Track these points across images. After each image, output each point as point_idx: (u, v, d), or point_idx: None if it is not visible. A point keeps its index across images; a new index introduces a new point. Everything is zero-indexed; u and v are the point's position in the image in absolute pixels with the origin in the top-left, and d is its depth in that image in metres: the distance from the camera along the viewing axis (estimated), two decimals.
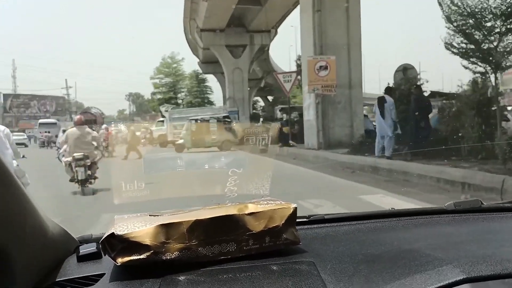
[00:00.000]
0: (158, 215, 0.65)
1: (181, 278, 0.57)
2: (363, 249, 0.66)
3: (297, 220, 0.73)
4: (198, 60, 31.61)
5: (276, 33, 24.78)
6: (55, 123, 24.60)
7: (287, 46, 68.32)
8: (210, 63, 30.30)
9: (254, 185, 0.87)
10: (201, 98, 32.76)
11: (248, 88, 25.43)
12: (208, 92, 33.67)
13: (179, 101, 31.91)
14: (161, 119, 21.44)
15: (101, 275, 0.60)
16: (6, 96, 32.59)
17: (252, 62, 25.76)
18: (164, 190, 1.36)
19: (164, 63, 31.08)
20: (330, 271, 0.57)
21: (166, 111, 21.32)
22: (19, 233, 0.53)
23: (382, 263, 0.59)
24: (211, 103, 33.85)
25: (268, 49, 27.19)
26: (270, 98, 39.91)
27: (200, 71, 32.50)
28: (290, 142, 10.21)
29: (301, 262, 0.62)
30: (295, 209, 0.67)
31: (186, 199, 1.16)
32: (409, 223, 0.85)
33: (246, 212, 0.64)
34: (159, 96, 32.03)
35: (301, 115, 10.61)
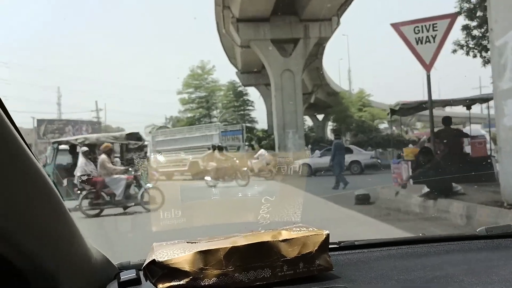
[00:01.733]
0: (195, 242, 0.81)
1: None
2: (395, 275, 0.78)
3: (329, 246, 0.87)
4: (236, 70, 31.29)
5: (338, 22, 21.54)
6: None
7: (336, 60, 69.04)
8: (251, 73, 29.58)
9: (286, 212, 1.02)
10: (240, 115, 32.25)
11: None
12: (249, 107, 33.54)
13: (213, 119, 32.83)
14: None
15: None
16: (40, 122, 35.48)
17: (307, 63, 23.03)
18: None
19: (193, 75, 31.25)
20: None
21: (150, 132, 19.71)
22: (67, 260, 0.68)
23: None
24: (252, 120, 34.18)
25: (323, 51, 25.07)
26: (319, 116, 38.46)
27: (239, 82, 32.38)
28: (454, 186, 5.72)
29: None
30: (328, 235, 0.81)
31: (220, 226, 1.35)
32: (440, 249, 0.97)
33: (280, 238, 0.79)
34: (189, 114, 31.94)
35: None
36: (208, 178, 8.29)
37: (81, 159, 7.59)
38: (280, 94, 21.93)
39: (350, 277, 0.80)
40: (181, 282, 0.74)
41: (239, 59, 27.38)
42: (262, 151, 13.57)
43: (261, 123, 34.09)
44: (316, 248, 0.80)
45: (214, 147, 14.02)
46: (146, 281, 0.78)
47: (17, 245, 0.57)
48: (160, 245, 0.81)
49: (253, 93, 34.51)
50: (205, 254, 0.76)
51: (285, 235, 0.81)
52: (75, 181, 7.34)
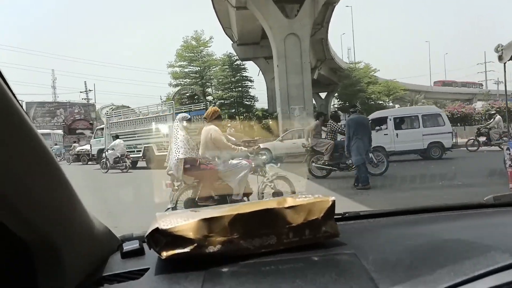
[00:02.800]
0: (199, 211, 0.86)
1: (224, 270, 0.76)
2: (403, 241, 0.83)
3: (337, 217, 0.92)
4: (232, 42, 30.22)
5: None
6: (48, 134, 26.89)
7: (338, 35, 68.23)
8: (249, 45, 28.38)
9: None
10: (238, 92, 31.06)
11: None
12: (247, 83, 31.67)
13: (209, 97, 32.09)
14: (101, 126, 18.99)
15: (146, 270, 0.80)
16: (29, 104, 34.62)
17: (312, 30, 21.07)
18: None
19: (187, 46, 30.00)
20: (372, 262, 0.74)
21: (106, 113, 18.59)
22: (68, 230, 0.72)
23: (425, 252, 0.75)
24: (252, 98, 33.57)
25: (331, 15, 23.62)
26: (322, 95, 37.83)
27: (236, 55, 31.27)
28: None
29: (342, 254, 0.80)
30: (334, 202, 0.86)
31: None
32: (448, 216, 1.03)
33: (286, 205, 0.83)
34: (183, 91, 31.07)
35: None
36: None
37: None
38: (284, 63, 19.86)
39: (357, 244, 0.84)
40: (186, 250, 0.78)
41: (235, 27, 26.01)
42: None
43: (262, 103, 33.62)
44: (322, 214, 0.84)
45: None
46: (150, 249, 0.83)
47: (17, 213, 0.60)
48: (163, 215, 0.85)
49: (252, 69, 33.79)
50: (209, 222, 0.81)
51: (290, 202, 0.85)
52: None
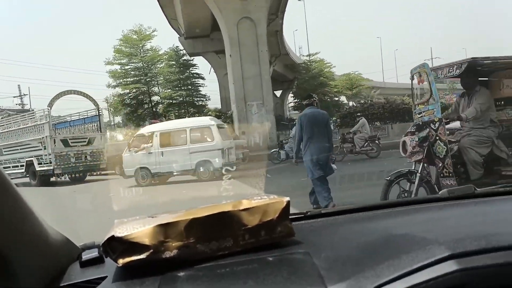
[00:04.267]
0: (156, 217, 0.93)
1: (181, 274, 0.84)
2: (356, 237, 0.94)
3: (295, 216, 1.03)
4: (179, 35, 29.48)
5: None
6: None
7: (291, 32, 70.19)
8: (197, 38, 27.58)
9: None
10: (187, 90, 30.47)
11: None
12: (198, 81, 31.04)
13: (154, 98, 30.97)
14: None
15: (104, 278, 0.87)
16: None
17: (269, 17, 20.32)
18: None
19: (126, 40, 28.85)
20: (324, 259, 0.84)
21: None
22: (18, 238, 0.77)
23: (374, 248, 0.86)
24: (203, 97, 32.86)
25: (285, 5, 23.58)
26: (277, 93, 36.98)
27: (183, 50, 30.69)
28: None
29: (296, 253, 0.90)
30: (288, 202, 0.96)
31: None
32: (403, 211, 1.18)
33: (241, 208, 0.93)
34: (122, 91, 29.34)
35: None
36: None
37: None
38: (238, 52, 19.08)
39: (312, 243, 0.95)
40: (142, 256, 0.87)
41: (181, 18, 25.35)
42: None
43: (215, 103, 33.27)
44: (277, 215, 0.94)
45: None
46: (107, 257, 0.90)
47: None
48: (121, 222, 0.94)
49: (203, 66, 33.28)
50: (165, 227, 0.89)
51: (245, 204, 0.95)
52: None
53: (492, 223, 0.97)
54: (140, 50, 30.00)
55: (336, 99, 34.78)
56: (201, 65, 34.83)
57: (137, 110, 30.42)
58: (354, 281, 0.73)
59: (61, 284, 0.88)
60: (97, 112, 16.86)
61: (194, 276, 0.84)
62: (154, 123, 17.54)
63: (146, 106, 31.09)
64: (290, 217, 0.98)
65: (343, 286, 0.73)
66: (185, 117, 25.84)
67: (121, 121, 35.69)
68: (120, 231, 0.88)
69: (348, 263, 0.81)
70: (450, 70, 4.99)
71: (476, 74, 5.18)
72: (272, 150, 15.62)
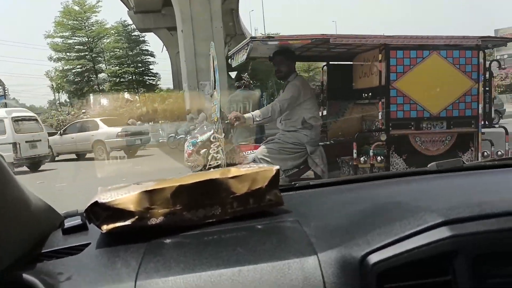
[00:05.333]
0: (142, 184, 0.93)
1: (167, 241, 0.84)
2: (346, 207, 0.96)
3: (284, 187, 1.05)
4: (128, 9, 28.43)
5: None
6: None
7: (247, 12, 70.16)
8: (148, 14, 26.79)
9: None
10: (137, 68, 29.76)
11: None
12: (148, 59, 30.65)
13: (101, 75, 29.60)
14: None
15: (87, 245, 0.87)
16: None
17: None
18: None
19: (68, 11, 27.90)
20: (313, 227, 0.86)
21: None
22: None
23: (364, 216, 0.88)
24: (154, 76, 31.67)
25: None
26: (232, 75, 39.28)
27: (133, 25, 29.97)
28: None
29: (285, 221, 0.92)
30: (278, 171, 0.98)
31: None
32: (391, 182, 1.21)
33: (229, 175, 0.94)
34: (66, 66, 28.35)
35: None
36: None
37: None
38: (190, 27, 18.43)
39: (302, 212, 0.97)
40: (127, 222, 0.86)
41: None
42: None
43: (167, 83, 32.50)
44: (266, 183, 0.96)
45: None
46: (90, 224, 0.90)
47: None
48: (105, 188, 0.93)
49: (155, 43, 32.26)
50: (151, 194, 0.89)
51: (234, 172, 0.96)
52: None
53: (483, 193, 1.00)
54: (84, 23, 28.51)
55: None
56: (153, 42, 33.84)
57: (82, 87, 29.05)
58: (345, 248, 0.75)
59: (43, 251, 0.87)
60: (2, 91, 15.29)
61: (180, 244, 0.85)
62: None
63: (91, 83, 29.75)
64: (280, 187, 1.00)
65: (333, 253, 0.75)
66: (135, 96, 25.09)
67: (67, 100, 33.87)
68: (103, 197, 0.87)
69: (338, 231, 0.83)
70: (242, 55, 4.15)
71: (289, 58, 4.26)
72: (169, 135, 15.83)
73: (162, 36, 30.86)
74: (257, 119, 4.01)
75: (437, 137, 4.32)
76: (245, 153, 4.32)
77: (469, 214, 0.76)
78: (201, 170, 3.89)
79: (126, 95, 27.24)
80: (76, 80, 29.11)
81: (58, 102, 36.01)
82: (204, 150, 3.96)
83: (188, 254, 0.79)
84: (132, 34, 29.89)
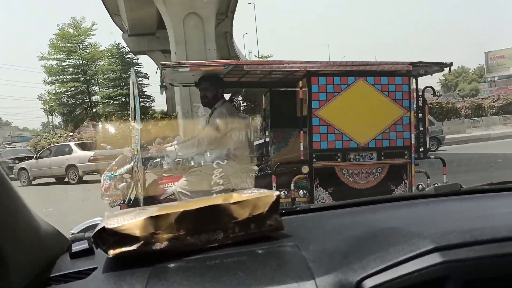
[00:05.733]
0: (147, 209, 0.97)
1: (171, 265, 0.88)
2: (344, 231, 0.99)
3: (285, 211, 1.13)
4: (122, 32, 28.60)
5: None
6: None
7: (241, 35, 71.59)
8: (142, 36, 26.99)
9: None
10: (129, 91, 30.97)
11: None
12: (142, 81, 30.79)
13: (95, 98, 29.81)
14: None
15: (94, 269, 0.90)
16: None
17: (220, 19, 20.53)
18: None
19: (63, 34, 28.30)
20: (312, 252, 0.88)
21: None
22: (11, 231, 0.80)
23: (360, 241, 0.89)
24: (148, 98, 31.98)
25: (236, 4, 23.58)
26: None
27: (126, 47, 29.89)
28: None
29: (285, 246, 0.95)
30: (278, 196, 1.01)
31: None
32: (390, 206, 1.24)
33: (231, 201, 0.97)
34: (59, 89, 28.40)
35: None
36: None
37: None
38: (184, 49, 18.42)
39: (301, 236, 1.00)
40: (132, 247, 0.89)
41: (125, 13, 24.64)
42: None
43: (161, 106, 32.68)
44: (266, 209, 0.99)
45: None
46: (97, 249, 0.93)
47: None
48: (112, 214, 0.97)
49: (148, 65, 32.65)
50: (156, 220, 0.93)
51: (236, 197, 1.00)
52: None
53: (476, 218, 1.03)
54: (79, 46, 28.86)
55: None
56: (147, 65, 34.14)
57: (75, 110, 29.16)
58: (342, 273, 0.78)
59: (51, 275, 0.90)
60: None
61: (184, 268, 0.88)
62: (94, 125, 17.36)
63: (85, 106, 29.92)
64: (279, 211, 1.03)
65: (330, 278, 0.78)
66: (127, 119, 25.07)
67: (61, 122, 34.08)
68: (110, 223, 0.90)
69: (335, 256, 0.86)
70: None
71: (215, 84, 4.02)
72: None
73: (156, 58, 31.09)
74: (180, 154, 3.81)
75: (366, 169, 4.04)
76: (166, 185, 4.09)
77: (460, 241, 0.79)
78: (119, 205, 3.75)
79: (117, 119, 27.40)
80: (69, 102, 29.28)
81: (51, 124, 36.24)
82: (123, 184, 3.78)
83: (191, 278, 0.82)
84: (126, 56, 30.19)
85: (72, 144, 16.03)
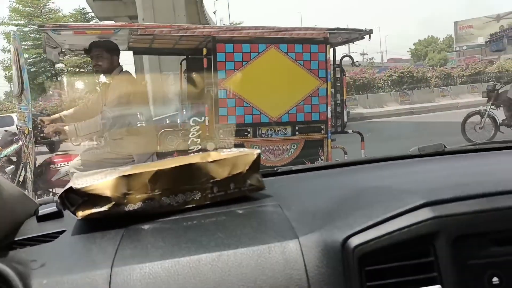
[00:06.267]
0: (118, 169, 0.91)
1: (145, 227, 0.83)
2: (328, 191, 0.97)
3: (266, 172, 1.07)
4: None
5: None
6: None
7: (212, 1, 69.50)
8: (108, 1, 25.40)
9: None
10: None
11: None
12: None
13: (58, 66, 28.65)
14: None
15: (62, 232, 0.85)
16: None
17: None
18: None
19: None
20: (295, 211, 0.86)
21: None
22: None
23: (345, 200, 0.87)
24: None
25: None
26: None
27: (91, 12, 29.51)
28: None
29: (266, 206, 0.91)
30: (259, 155, 0.97)
31: None
32: (373, 167, 1.21)
33: (209, 160, 0.92)
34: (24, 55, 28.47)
35: None
36: None
37: None
38: (152, 15, 17.07)
39: (283, 196, 0.96)
40: (103, 209, 0.85)
41: None
42: None
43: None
44: (247, 168, 0.95)
45: None
46: (65, 210, 0.89)
47: None
48: (81, 174, 0.92)
49: None
50: (128, 179, 0.87)
51: (214, 156, 0.94)
52: None
53: (463, 175, 1.01)
54: (41, 10, 27.38)
55: None
56: None
57: (37, 78, 27.99)
58: (326, 231, 0.75)
59: (16, 239, 0.85)
60: None
61: (159, 229, 0.84)
62: (60, 93, 16.68)
63: (49, 74, 28.75)
64: (261, 173, 0.99)
65: (315, 236, 0.75)
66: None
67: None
68: (79, 183, 0.86)
69: (319, 215, 0.83)
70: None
71: (111, 50, 3.50)
72: None
73: None
74: (81, 134, 3.29)
75: (279, 145, 3.74)
76: (58, 165, 3.71)
77: (450, 196, 0.77)
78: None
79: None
80: (32, 70, 28.08)
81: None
82: (11, 167, 3.49)
83: (166, 239, 0.79)
84: (91, 22, 28.92)
85: (14, 115, 15.18)
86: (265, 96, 3.66)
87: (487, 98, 7.95)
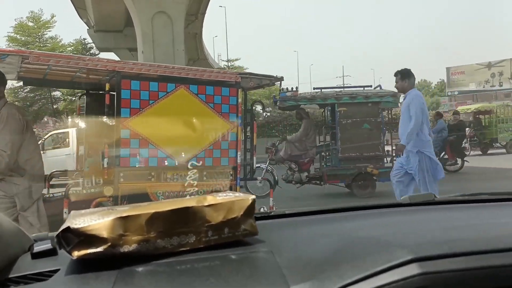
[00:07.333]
0: (116, 209, 0.94)
1: (139, 269, 0.84)
2: (320, 239, 0.99)
3: (260, 215, 1.12)
4: (88, 27, 27.70)
5: None
6: None
7: (211, 38, 71.48)
8: (109, 33, 26.30)
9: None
10: None
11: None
12: None
13: (55, 94, 28.81)
14: None
15: (56, 271, 0.86)
16: None
17: (189, 20, 20.31)
18: None
19: (21, 27, 26.70)
20: (286, 259, 0.87)
21: None
22: None
23: (337, 249, 0.88)
24: None
25: (207, 4, 25.37)
26: None
27: (92, 43, 29.32)
28: None
29: (259, 252, 0.93)
30: (254, 200, 0.99)
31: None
32: (365, 214, 1.24)
33: (205, 204, 0.95)
34: (17, 83, 28.67)
35: None
36: None
37: None
38: (151, 48, 17.65)
39: (275, 242, 0.98)
40: (99, 249, 0.85)
41: (91, 8, 23.64)
42: None
43: None
44: (241, 213, 0.97)
45: None
46: (61, 249, 0.88)
47: None
48: (78, 213, 0.94)
49: None
50: (125, 220, 0.88)
51: (210, 200, 0.97)
52: None
53: (452, 229, 1.02)
54: (39, 39, 27.76)
55: None
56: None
57: (32, 105, 28.10)
58: (317, 281, 0.76)
59: (9, 276, 0.86)
60: None
61: (153, 272, 0.84)
62: (54, 121, 16.59)
63: (44, 101, 28.88)
64: (254, 216, 1.01)
65: (305, 286, 0.75)
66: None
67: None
68: (76, 222, 0.86)
69: (311, 263, 0.84)
70: None
71: None
72: None
73: (123, 56, 30.39)
74: None
75: (185, 191, 3.52)
76: None
77: (439, 252, 0.78)
78: None
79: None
80: (28, 96, 28.24)
81: None
82: None
83: (160, 283, 0.80)
84: (90, 52, 29.36)
85: None
86: (172, 138, 3.49)
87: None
